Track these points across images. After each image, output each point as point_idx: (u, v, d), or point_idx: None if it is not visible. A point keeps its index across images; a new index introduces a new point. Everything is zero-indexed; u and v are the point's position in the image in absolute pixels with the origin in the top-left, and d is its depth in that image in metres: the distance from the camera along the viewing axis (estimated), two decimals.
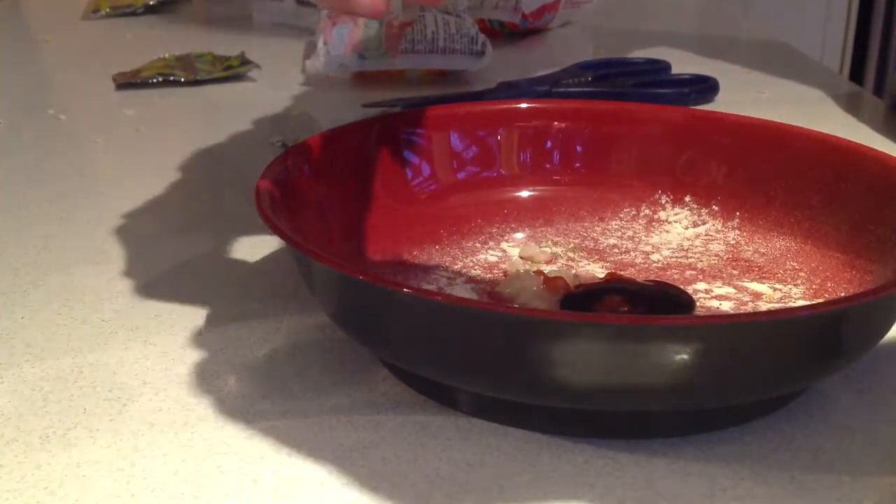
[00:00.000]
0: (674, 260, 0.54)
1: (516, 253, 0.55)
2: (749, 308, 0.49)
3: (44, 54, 1.01)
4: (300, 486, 0.39)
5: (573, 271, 0.52)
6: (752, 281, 0.52)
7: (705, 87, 0.83)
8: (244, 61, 0.90)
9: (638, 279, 0.51)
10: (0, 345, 0.48)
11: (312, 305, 0.50)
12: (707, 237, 0.56)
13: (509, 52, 0.98)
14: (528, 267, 0.52)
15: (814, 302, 0.49)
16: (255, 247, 0.57)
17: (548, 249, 0.55)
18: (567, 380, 0.39)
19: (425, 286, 0.50)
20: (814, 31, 1.80)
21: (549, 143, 0.59)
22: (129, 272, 0.55)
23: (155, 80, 0.87)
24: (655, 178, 0.58)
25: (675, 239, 0.56)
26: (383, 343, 0.43)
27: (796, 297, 0.50)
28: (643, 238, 0.56)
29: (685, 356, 0.38)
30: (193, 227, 0.61)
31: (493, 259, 0.54)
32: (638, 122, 0.59)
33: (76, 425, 0.42)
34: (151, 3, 1.11)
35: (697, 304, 0.49)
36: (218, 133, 0.79)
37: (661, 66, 0.88)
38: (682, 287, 0.51)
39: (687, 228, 0.56)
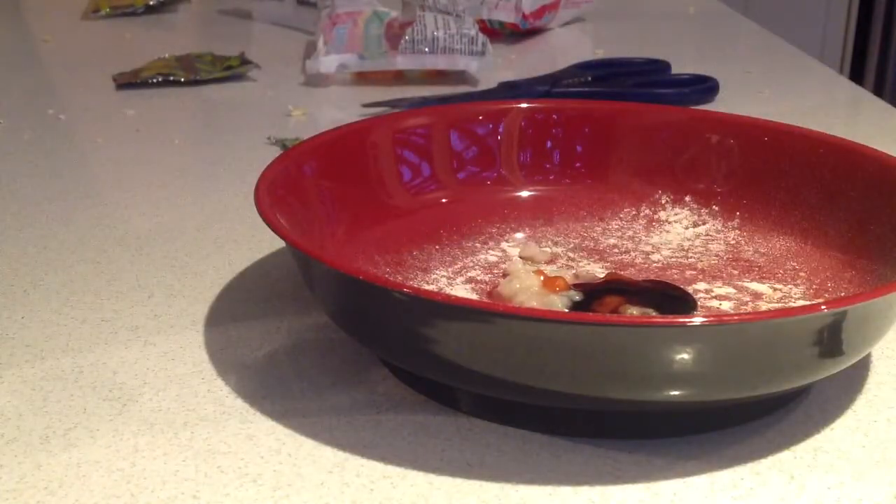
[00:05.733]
0: (674, 260, 0.54)
1: (516, 253, 0.55)
2: (749, 308, 0.49)
3: (44, 54, 1.01)
4: (300, 486, 0.39)
5: (573, 271, 0.52)
6: (752, 281, 0.52)
7: (705, 87, 0.83)
8: (244, 61, 0.90)
9: (638, 279, 0.51)
10: (0, 345, 0.48)
11: (312, 305, 0.50)
12: (707, 237, 0.56)
13: (509, 52, 0.98)
14: (528, 267, 0.52)
15: (814, 302, 0.49)
16: (255, 247, 0.57)
17: (548, 249, 0.55)
18: (567, 380, 0.39)
19: (425, 286, 0.50)
20: (814, 31, 1.80)
21: (549, 143, 0.59)
22: (129, 272, 0.55)
23: (155, 80, 0.87)
24: (655, 178, 0.58)
25: (675, 239, 0.56)
26: (383, 343, 0.43)
27: (796, 297, 0.50)
28: (643, 238, 0.56)
29: (686, 356, 0.38)
30: (193, 228, 0.61)
31: (493, 259, 0.54)
32: (638, 122, 0.59)
33: (76, 425, 0.42)
34: (151, 3, 1.11)
35: (698, 304, 0.49)
36: (218, 133, 0.79)
37: (661, 66, 0.88)
38: (682, 287, 0.51)
39: (687, 228, 0.56)
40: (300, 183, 0.51)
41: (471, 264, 0.53)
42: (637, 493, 0.39)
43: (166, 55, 0.92)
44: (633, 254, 0.55)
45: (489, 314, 0.40)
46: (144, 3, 1.11)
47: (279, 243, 0.54)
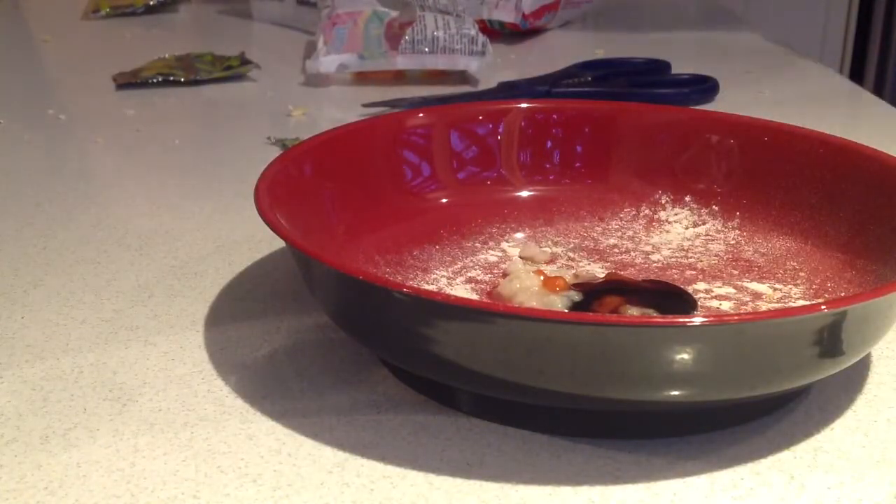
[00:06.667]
0: (674, 260, 0.54)
1: (516, 253, 0.55)
2: (749, 308, 0.49)
3: (44, 54, 1.01)
4: (300, 486, 0.39)
5: (573, 271, 0.52)
6: (752, 281, 0.52)
7: (705, 87, 0.83)
8: (244, 61, 0.90)
9: (638, 279, 0.51)
10: (0, 345, 0.48)
11: (312, 305, 0.50)
12: (707, 237, 0.56)
13: (509, 52, 0.98)
14: (528, 267, 0.52)
15: (814, 302, 0.49)
16: (255, 247, 0.57)
17: (548, 249, 0.55)
18: (567, 380, 0.39)
19: (425, 286, 0.50)
20: (814, 31, 1.80)
21: (549, 143, 0.59)
22: (129, 272, 0.55)
23: (155, 80, 0.87)
24: (655, 178, 0.58)
25: (675, 239, 0.56)
26: (383, 343, 0.43)
27: (796, 297, 0.50)
28: (643, 238, 0.56)
29: (686, 356, 0.38)
30: (193, 228, 0.61)
31: (493, 259, 0.54)
32: (638, 122, 0.59)
33: (76, 425, 0.42)
34: (151, 3, 1.11)
35: (698, 304, 0.49)
36: (218, 133, 0.79)
37: (661, 66, 0.88)
38: (682, 287, 0.51)
39: (687, 228, 0.56)
40: (300, 183, 0.51)
41: (471, 264, 0.53)
42: (637, 493, 0.39)
43: (166, 55, 0.92)
44: (633, 254, 0.55)
45: (489, 314, 0.40)
46: (144, 3, 1.11)
47: (279, 243, 0.54)
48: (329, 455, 0.40)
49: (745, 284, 0.51)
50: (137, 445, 0.41)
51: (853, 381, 0.46)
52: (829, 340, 0.40)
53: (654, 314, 0.46)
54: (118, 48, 1.00)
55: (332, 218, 0.52)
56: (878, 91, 1.75)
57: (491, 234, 0.56)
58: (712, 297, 0.50)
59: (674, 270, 0.53)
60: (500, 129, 0.59)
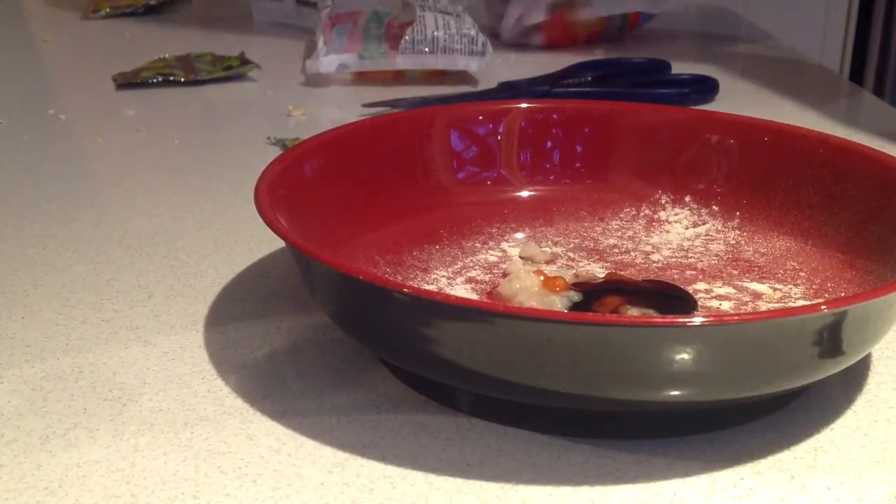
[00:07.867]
0: (674, 260, 0.54)
1: (516, 253, 0.55)
2: (749, 308, 0.49)
3: (44, 54, 1.01)
4: (300, 486, 0.39)
5: (573, 271, 0.52)
6: (752, 281, 0.52)
7: (705, 87, 0.83)
8: (244, 61, 0.90)
9: (638, 279, 0.51)
10: (0, 345, 0.48)
11: (312, 305, 0.50)
12: (707, 237, 0.56)
13: (509, 53, 0.98)
14: (528, 267, 0.52)
15: (814, 302, 0.49)
16: (255, 247, 0.57)
17: (548, 249, 0.55)
18: (567, 380, 0.39)
19: (425, 286, 0.50)
20: (814, 31, 1.80)
21: (549, 143, 0.59)
22: (129, 272, 0.55)
23: (155, 80, 0.87)
24: (655, 178, 0.58)
25: (675, 239, 0.56)
26: (383, 343, 0.43)
27: (796, 297, 0.50)
28: (643, 238, 0.56)
29: (686, 356, 0.38)
30: (193, 228, 0.61)
31: (493, 259, 0.54)
32: (638, 122, 0.59)
33: (76, 425, 0.42)
34: (151, 3, 1.12)
35: (698, 304, 0.49)
36: (218, 133, 0.79)
37: (661, 66, 0.88)
38: (682, 287, 0.51)
39: (687, 228, 0.56)
40: (300, 183, 0.51)
41: (471, 264, 0.53)
42: (637, 493, 0.39)
43: (166, 55, 0.92)
44: (633, 254, 0.55)
45: (489, 314, 0.40)
46: (144, 3, 1.11)
47: (279, 243, 0.54)
48: (329, 455, 0.40)
49: (745, 284, 0.51)
50: (137, 445, 0.41)
51: (853, 381, 0.46)
52: (830, 340, 0.40)
53: (654, 314, 0.46)
54: (118, 48, 1.00)
55: (332, 218, 0.52)
56: (878, 91, 1.75)
57: (491, 234, 0.56)
58: (712, 297, 0.50)
59: (674, 270, 0.53)
60: (500, 129, 0.59)
